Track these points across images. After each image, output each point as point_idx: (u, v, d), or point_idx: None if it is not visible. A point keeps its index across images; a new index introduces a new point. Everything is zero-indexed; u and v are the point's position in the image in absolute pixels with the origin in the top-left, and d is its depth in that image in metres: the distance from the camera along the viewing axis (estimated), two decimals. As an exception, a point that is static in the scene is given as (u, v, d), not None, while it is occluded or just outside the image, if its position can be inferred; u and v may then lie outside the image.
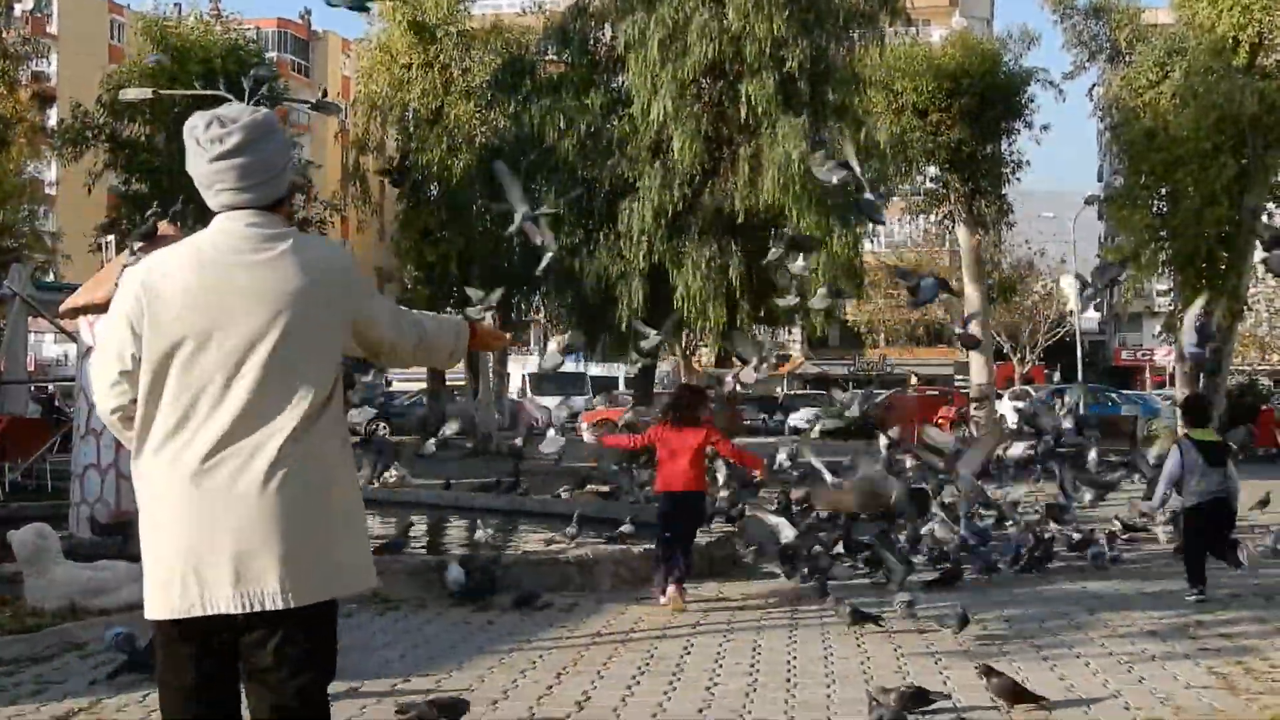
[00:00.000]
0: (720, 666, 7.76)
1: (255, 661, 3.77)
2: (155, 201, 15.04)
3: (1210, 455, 10.36)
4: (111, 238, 31.21)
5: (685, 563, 10.05)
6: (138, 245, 12.57)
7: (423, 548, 12.93)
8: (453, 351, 4.33)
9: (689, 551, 10.24)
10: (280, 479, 3.67)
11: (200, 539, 3.66)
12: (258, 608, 3.66)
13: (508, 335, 4.72)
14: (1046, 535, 12.34)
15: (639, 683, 7.37)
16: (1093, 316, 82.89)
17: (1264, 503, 15.12)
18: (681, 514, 10.22)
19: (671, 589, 9.84)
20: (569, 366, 56.29)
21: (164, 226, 12.97)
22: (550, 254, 12.22)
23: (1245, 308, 35.95)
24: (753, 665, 7.83)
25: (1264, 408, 33.04)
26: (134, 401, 3.80)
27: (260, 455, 3.68)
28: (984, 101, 34.14)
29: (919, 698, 6.47)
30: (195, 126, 3.85)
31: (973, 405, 28.90)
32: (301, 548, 3.69)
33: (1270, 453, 29.57)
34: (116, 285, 12.01)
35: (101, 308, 12.15)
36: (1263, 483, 16.12)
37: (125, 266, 12.16)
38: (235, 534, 3.65)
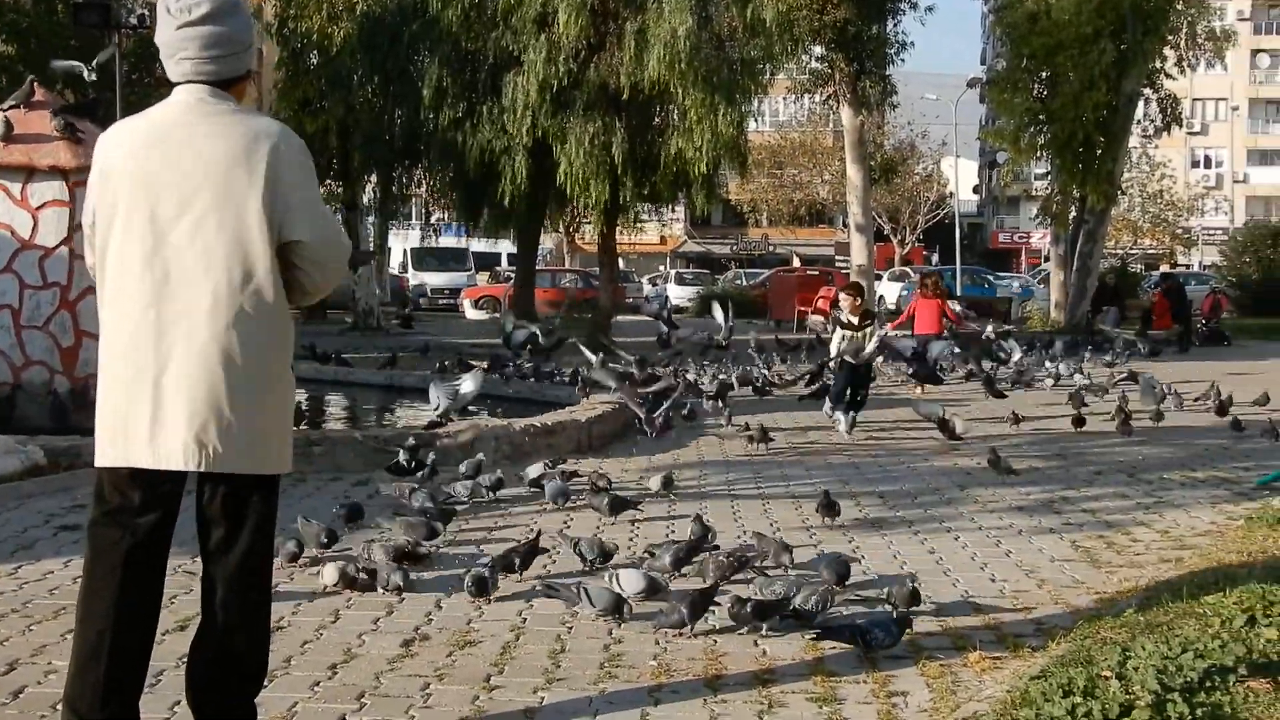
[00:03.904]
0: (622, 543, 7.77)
1: (203, 517, 4.07)
2: (22, 63, 14.54)
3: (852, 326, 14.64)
4: (-23, 100, 30.10)
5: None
6: (8, 106, 12.21)
7: (305, 425, 12.76)
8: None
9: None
10: (199, 349, 3.88)
11: (126, 396, 3.94)
12: (164, 466, 3.92)
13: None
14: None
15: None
16: (971, 199, 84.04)
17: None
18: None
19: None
20: (451, 241, 55.90)
21: (37, 90, 12.60)
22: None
23: (1120, 192, 36.56)
24: (666, 533, 7.90)
25: (1156, 293, 33.80)
26: None
27: (182, 322, 3.90)
28: (871, -19, 34.02)
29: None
30: None
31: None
32: (213, 418, 3.90)
33: (1167, 336, 29.73)
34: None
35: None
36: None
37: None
38: (154, 395, 3.90)
